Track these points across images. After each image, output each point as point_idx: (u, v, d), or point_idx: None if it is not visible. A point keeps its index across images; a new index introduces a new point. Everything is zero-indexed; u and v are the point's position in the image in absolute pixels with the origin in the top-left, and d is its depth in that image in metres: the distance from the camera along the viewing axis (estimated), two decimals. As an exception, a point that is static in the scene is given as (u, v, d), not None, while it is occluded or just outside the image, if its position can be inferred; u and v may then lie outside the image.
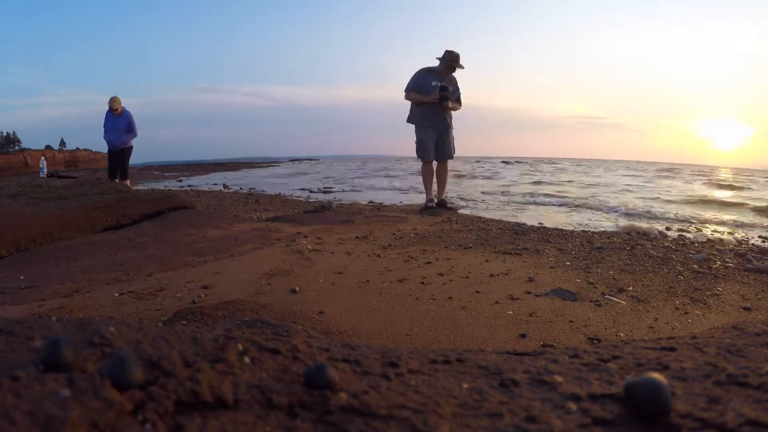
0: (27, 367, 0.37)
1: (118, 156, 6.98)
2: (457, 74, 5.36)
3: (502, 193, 9.17)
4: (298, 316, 1.51)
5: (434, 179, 5.47)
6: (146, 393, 0.36)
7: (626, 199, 8.10)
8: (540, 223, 4.60)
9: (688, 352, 0.59)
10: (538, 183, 12.45)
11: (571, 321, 1.68)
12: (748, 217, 6.10)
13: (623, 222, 5.14)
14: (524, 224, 4.43)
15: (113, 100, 6.75)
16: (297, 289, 2.01)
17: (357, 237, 3.39)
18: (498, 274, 2.30)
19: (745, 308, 1.89)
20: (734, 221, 5.65)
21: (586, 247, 3.07)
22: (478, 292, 2.00)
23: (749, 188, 12.08)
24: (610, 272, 2.37)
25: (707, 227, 5.02)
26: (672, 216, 5.95)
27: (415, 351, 0.57)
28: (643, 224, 4.88)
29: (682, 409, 0.39)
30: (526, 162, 36.97)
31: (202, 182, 15.70)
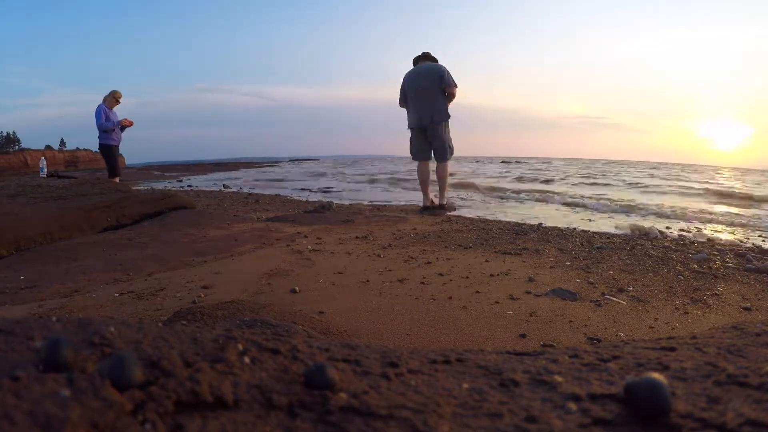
0: (27, 367, 0.37)
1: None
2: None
3: (502, 193, 9.19)
4: (298, 316, 1.51)
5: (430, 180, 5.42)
6: (146, 393, 0.36)
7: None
8: (540, 223, 4.61)
9: (688, 352, 0.59)
10: (547, 182, 12.65)
11: (571, 321, 1.68)
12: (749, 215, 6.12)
13: (621, 220, 5.15)
14: (524, 224, 4.43)
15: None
16: (297, 289, 2.01)
17: (357, 237, 3.39)
18: (498, 274, 2.31)
19: (745, 308, 1.89)
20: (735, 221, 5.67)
21: (586, 247, 3.07)
22: (478, 292, 2.00)
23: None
24: (610, 272, 2.37)
25: (709, 227, 5.03)
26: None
27: (415, 351, 0.57)
28: (645, 224, 4.89)
29: (682, 409, 0.39)
30: (527, 162, 37.11)
31: (202, 182, 15.70)
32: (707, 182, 14.45)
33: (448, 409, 0.40)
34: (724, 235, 4.48)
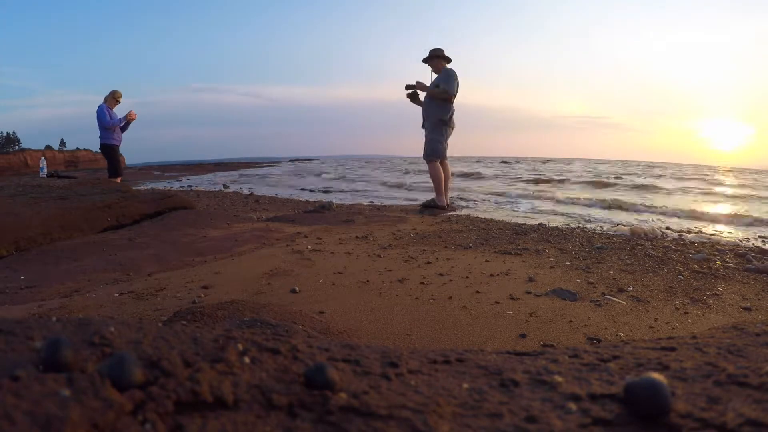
0: (27, 367, 0.37)
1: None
2: (454, 67, 5.37)
3: (502, 193, 9.20)
4: (298, 316, 1.51)
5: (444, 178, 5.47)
6: (146, 393, 0.36)
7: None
8: (540, 223, 4.61)
9: (688, 352, 0.59)
10: (547, 182, 12.70)
11: (571, 321, 1.68)
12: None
13: (621, 220, 5.15)
14: (524, 224, 4.43)
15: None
16: (297, 289, 2.01)
17: (357, 237, 3.39)
18: (498, 274, 2.30)
19: (745, 308, 1.89)
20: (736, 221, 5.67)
21: (586, 247, 3.07)
22: (478, 292, 2.00)
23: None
24: (610, 272, 2.37)
25: (708, 228, 5.03)
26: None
27: (415, 351, 0.57)
28: (645, 224, 4.89)
29: (682, 409, 0.39)
30: (527, 162, 37.16)
31: (202, 182, 15.70)
32: (707, 182, 14.47)
33: (448, 409, 0.40)
34: (724, 235, 4.48)
